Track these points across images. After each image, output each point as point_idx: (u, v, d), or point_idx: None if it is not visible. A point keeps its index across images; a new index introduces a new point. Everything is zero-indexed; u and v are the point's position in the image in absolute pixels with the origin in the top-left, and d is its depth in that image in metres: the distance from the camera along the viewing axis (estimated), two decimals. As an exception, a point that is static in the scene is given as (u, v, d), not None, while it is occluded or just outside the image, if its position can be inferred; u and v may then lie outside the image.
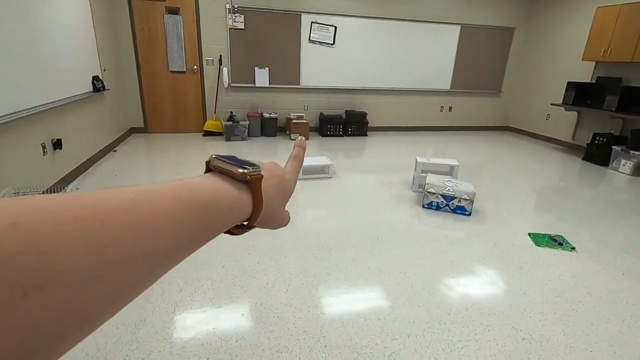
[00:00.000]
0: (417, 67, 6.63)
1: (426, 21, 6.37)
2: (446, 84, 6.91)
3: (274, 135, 6.11)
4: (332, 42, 6.13)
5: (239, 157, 0.33)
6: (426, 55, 6.60)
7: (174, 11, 5.44)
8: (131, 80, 5.65)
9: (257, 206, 0.31)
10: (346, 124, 6.34)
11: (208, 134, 5.92)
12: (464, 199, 3.16)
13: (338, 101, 6.51)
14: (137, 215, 0.22)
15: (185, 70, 5.76)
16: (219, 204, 0.28)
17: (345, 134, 6.37)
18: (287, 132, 6.10)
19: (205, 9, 5.54)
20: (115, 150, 4.87)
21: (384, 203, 3.45)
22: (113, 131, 5.08)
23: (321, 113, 6.44)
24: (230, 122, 5.58)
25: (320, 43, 6.09)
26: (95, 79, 4.35)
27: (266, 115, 5.96)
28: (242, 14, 5.63)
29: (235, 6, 5.56)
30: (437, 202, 3.25)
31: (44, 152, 3.19)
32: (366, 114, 6.47)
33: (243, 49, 5.82)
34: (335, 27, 6.06)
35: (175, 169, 4.28)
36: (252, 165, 0.32)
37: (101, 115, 4.63)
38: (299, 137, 0.46)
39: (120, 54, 5.46)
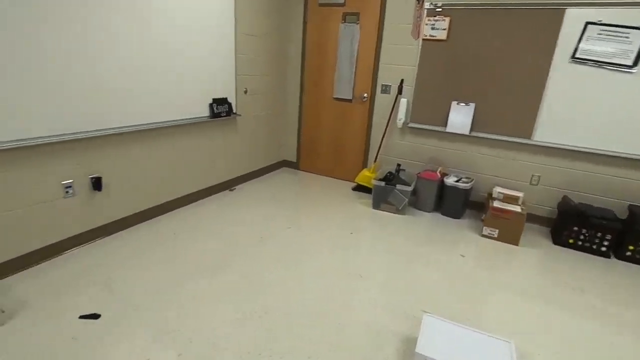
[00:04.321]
0: None
1: None
2: None
3: (458, 217, 3.59)
4: (631, 63, 2.94)
5: None
6: None
7: (352, 18, 3.95)
8: (292, 105, 4.63)
9: None
10: (623, 233, 2.95)
11: (359, 188, 4.13)
12: None
13: (611, 181, 3.18)
14: None
15: (352, 98, 4.19)
16: None
17: (614, 252, 3.01)
18: (482, 217, 3.43)
19: (393, 13, 3.74)
20: (233, 189, 3.92)
21: None
22: (251, 163, 4.18)
23: (565, 197, 3.32)
24: (383, 183, 3.56)
25: (599, 63, 3.03)
26: (219, 102, 3.46)
27: (451, 181, 3.54)
28: (447, 17, 3.46)
29: (439, 3, 3.46)
30: None
31: (65, 193, 2.40)
32: (689, 224, 2.82)
33: (438, 71, 3.64)
34: (648, 31, 2.84)
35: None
36: None
37: (220, 146, 3.74)
38: None
39: (287, 73, 4.52)
